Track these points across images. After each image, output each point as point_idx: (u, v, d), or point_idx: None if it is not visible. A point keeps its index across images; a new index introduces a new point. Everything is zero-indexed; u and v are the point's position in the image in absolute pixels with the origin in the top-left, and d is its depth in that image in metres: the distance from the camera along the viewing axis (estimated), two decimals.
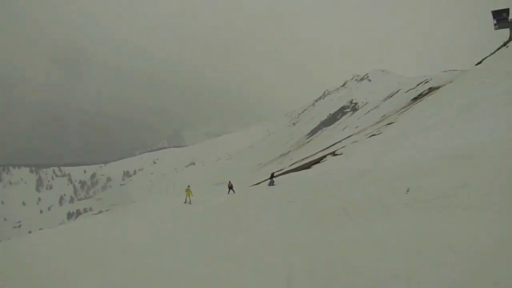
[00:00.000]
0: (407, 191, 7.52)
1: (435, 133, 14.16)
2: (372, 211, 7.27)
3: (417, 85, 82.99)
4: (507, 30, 40.83)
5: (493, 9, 40.56)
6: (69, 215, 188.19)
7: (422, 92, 65.53)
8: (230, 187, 27.21)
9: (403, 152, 13.20)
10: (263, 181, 32.18)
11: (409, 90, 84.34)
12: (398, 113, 46.08)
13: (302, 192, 13.72)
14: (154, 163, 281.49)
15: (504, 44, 38.13)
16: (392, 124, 29.37)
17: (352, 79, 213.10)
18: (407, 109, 44.54)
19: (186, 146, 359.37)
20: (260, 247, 7.57)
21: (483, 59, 37.65)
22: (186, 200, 23.83)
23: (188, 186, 25.25)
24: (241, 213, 12.65)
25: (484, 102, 16.52)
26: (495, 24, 40.14)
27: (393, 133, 21.80)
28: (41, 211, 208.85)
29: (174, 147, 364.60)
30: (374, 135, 28.29)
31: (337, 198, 9.72)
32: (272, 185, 22.96)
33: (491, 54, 38.79)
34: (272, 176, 25.33)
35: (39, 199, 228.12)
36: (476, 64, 36.99)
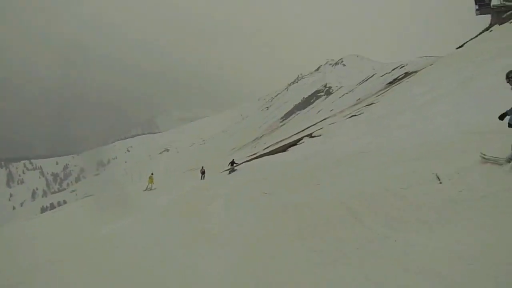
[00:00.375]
0: (439, 180, 5.21)
1: (436, 110, 12.02)
2: (396, 213, 4.81)
3: (393, 69, 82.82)
4: (487, 17, 40.36)
5: None
6: (43, 210, 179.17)
7: (398, 77, 64.90)
8: (203, 173, 27.16)
9: (402, 130, 10.98)
10: (234, 166, 29.71)
11: (384, 74, 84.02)
12: (376, 96, 44.56)
13: (280, 180, 11.15)
14: (128, 151, 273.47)
15: (487, 29, 37.36)
16: (373, 105, 27.43)
17: (326, 63, 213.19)
18: (385, 91, 43.08)
19: (159, 132, 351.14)
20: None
21: (465, 43, 36.68)
22: (147, 187, 24.21)
23: (152, 174, 25.96)
24: (203, 210, 9.82)
25: (482, 79, 14.72)
26: (476, 10, 39.78)
27: (379, 112, 19.69)
28: (13, 208, 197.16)
29: (148, 133, 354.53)
30: (355, 115, 26.28)
31: (333, 189, 7.25)
32: (233, 172, 22.99)
33: (473, 38, 37.92)
34: (233, 163, 25.38)
35: (11, 195, 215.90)
36: (458, 48, 35.97)
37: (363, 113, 25.15)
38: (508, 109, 5.69)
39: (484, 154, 5.86)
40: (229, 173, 23.69)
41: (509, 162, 5.25)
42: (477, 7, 39.82)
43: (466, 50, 28.98)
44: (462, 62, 22.25)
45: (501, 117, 5.81)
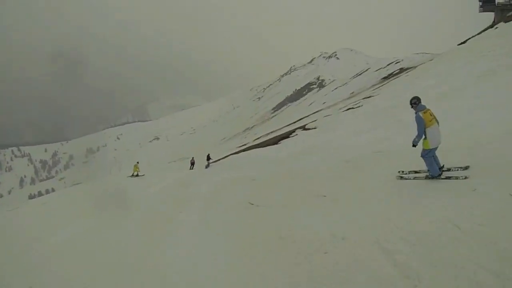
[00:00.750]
0: None
1: (458, 104, 10.24)
2: None
3: (388, 64, 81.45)
4: (484, 16, 39.54)
5: None
6: (31, 198, 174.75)
7: (393, 72, 63.43)
8: (193, 163, 27.82)
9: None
10: (223, 158, 27.80)
11: (379, 69, 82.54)
12: (372, 90, 42.88)
13: (272, 184, 9.02)
14: (118, 138, 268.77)
15: (491, 26, 36.05)
16: (373, 97, 25.66)
17: (320, 56, 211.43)
18: (382, 85, 41.42)
19: (150, 120, 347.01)
20: None
21: (467, 40, 35.18)
22: (133, 174, 24.98)
23: (137, 162, 26.61)
24: (168, 224, 7.21)
25: (505, 74, 13.02)
26: (480, 7, 39.27)
27: (382, 104, 17.87)
28: (1, 195, 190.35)
29: (139, 121, 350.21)
30: (352, 108, 24.50)
31: (353, 212, 5.07)
32: (208, 166, 24.00)
33: (475, 35, 36.46)
34: (208, 158, 25.59)
35: None
36: (460, 44, 34.45)
37: (362, 105, 23.38)
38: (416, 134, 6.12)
39: (403, 171, 6.71)
40: (206, 167, 24.14)
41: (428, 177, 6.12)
42: (480, 3, 39.08)
43: (471, 46, 27.38)
44: (470, 57, 20.64)
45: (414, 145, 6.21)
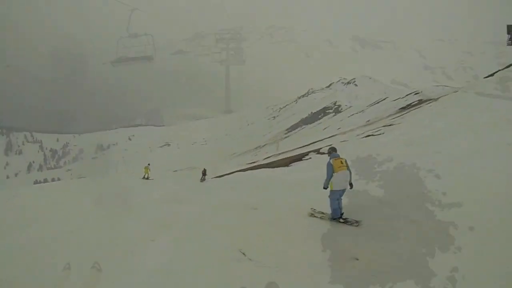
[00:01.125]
0: None
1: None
2: None
3: (406, 95, 79.51)
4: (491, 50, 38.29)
5: (509, 24, 37.88)
6: (36, 184, 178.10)
7: (412, 103, 61.48)
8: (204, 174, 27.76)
9: (478, 160, 7.37)
10: (227, 174, 26.20)
11: (397, 99, 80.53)
12: (391, 118, 41.05)
13: (276, 222, 7.15)
14: (130, 139, 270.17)
15: None
16: (394, 126, 23.88)
17: (338, 81, 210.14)
18: (402, 115, 39.61)
19: (163, 125, 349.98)
20: None
21: (495, 72, 33.52)
22: (144, 176, 27.01)
23: (148, 164, 28.64)
24: (132, 259, 5.79)
25: None
26: (508, 39, 38.07)
27: (413, 133, 16.04)
28: (7, 177, 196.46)
29: (152, 125, 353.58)
30: (373, 135, 22.75)
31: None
32: (203, 181, 24.45)
33: (503, 69, 34.79)
34: (204, 173, 26.13)
35: (7, 164, 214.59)
36: (486, 77, 32.80)
37: (383, 133, 21.62)
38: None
39: (314, 209, 7.47)
40: (201, 181, 24.47)
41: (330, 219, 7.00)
42: (509, 36, 37.89)
43: (501, 79, 25.76)
44: (504, 89, 19.09)
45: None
